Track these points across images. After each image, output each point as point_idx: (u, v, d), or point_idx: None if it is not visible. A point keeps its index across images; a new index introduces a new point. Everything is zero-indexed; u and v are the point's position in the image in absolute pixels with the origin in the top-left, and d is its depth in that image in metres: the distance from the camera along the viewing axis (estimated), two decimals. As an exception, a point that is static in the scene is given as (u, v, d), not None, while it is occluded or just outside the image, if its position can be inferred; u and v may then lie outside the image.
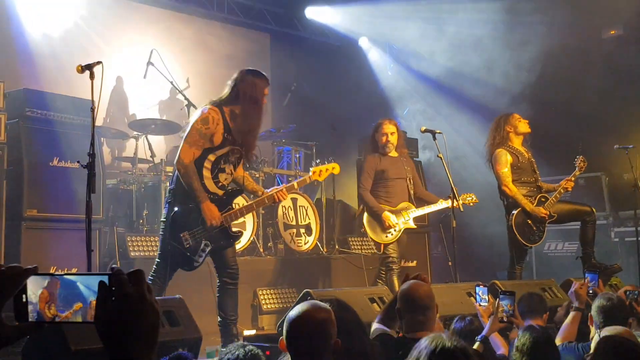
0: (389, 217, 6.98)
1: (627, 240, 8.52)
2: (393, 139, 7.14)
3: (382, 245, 7.14)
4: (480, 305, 4.68)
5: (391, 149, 7.18)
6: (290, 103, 10.19)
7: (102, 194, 6.86)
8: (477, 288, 4.88)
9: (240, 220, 7.96)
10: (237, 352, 3.06)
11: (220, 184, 5.22)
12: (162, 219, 5.27)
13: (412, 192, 7.21)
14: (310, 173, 5.76)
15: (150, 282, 5.16)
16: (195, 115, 5.14)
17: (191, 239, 5.13)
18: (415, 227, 7.25)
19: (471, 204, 7.09)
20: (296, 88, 9.91)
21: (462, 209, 6.65)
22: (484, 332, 4.07)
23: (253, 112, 5.21)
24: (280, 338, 2.82)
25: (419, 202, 7.22)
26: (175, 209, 5.11)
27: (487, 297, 4.74)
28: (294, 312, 2.82)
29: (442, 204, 7.02)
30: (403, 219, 7.06)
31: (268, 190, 5.56)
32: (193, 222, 5.11)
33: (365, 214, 7.16)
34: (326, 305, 2.89)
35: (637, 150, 7.59)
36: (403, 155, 7.30)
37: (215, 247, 5.25)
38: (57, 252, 6.50)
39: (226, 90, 5.23)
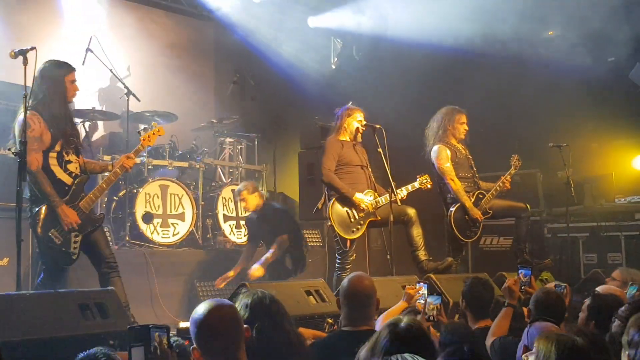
0: (362, 199, 6.68)
1: (559, 236, 8.73)
2: (362, 129, 6.94)
3: (349, 242, 6.76)
4: (419, 302, 4.76)
5: (358, 138, 6.97)
6: (232, 94, 10.12)
7: (36, 182, 6.69)
8: (417, 285, 4.95)
9: (180, 211, 7.92)
10: None
11: (73, 174, 5.42)
12: (30, 227, 5.40)
13: (373, 180, 6.96)
14: (141, 141, 5.96)
15: (39, 285, 5.32)
16: (17, 127, 5.22)
17: (60, 235, 5.25)
18: (379, 218, 6.81)
19: (428, 185, 6.97)
20: (239, 79, 9.84)
21: (399, 204, 6.69)
22: None
23: (56, 97, 5.35)
24: (192, 347, 2.73)
25: None
26: (35, 209, 5.24)
27: (426, 294, 4.81)
28: (199, 314, 2.74)
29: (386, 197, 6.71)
30: (369, 209, 6.75)
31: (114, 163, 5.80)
32: (56, 219, 5.24)
33: (333, 205, 6.72)
34: (227, 301, 2.87)
35: (571, 148, 7.77)
36: (357, 146, 7.03)
37: (85, 234, 5.39)
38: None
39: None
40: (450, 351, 2.41)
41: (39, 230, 5.21)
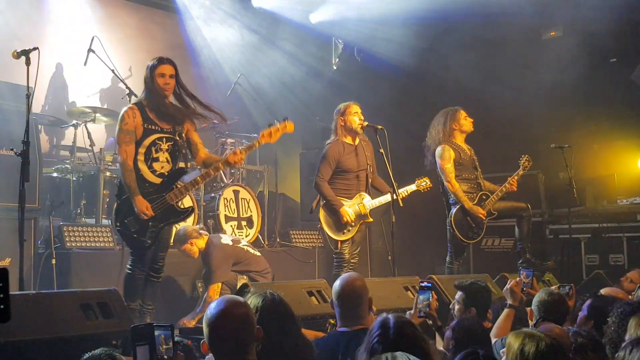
0: (347, 212, 6.68)
1: (561, 238, 8.72)
2: (362, 118, 6.80)
3: (339, 243, 6.76)
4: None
5: (361, 130, 6.82)
6: (234, 94, 10.11)
7: (39, 182, 6.70)
8: (419, 284, 4.94)
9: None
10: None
11: (157, 172, 5.47)
12: (114, 212, 5.57)
13: (370, 181, 6.92)
14: (260, 136, 5.68)
15: (129, 271, 5.49)
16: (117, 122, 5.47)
17: (135, 223, 5.37)
18: (372, 220, 6.85)
19: (427, 188, 6.95)
20: (240, 79, 9.82)
21: (401, 204, 6.66)
22: None
23: (151, 92, 5.45)
24: (202, 341, 2.76)
25: (373, 191, 6.95)
26: (122, 197, 5.45)
27: (430, 293, 4.80)
28: (212, 313, 2.76)
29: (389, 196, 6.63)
30: (361, 212, 6.76)
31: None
32: (133, 208, 5.37)
33: (322, 210, 6.79)
34: (242, 299, 2.88)
35: (573, 149, 7.76)
36: (363, 140, 6.94)
37: (164, 225, 5.49)
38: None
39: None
40: (465, 355, 2.41)
41: (118, 218, 5.42)
